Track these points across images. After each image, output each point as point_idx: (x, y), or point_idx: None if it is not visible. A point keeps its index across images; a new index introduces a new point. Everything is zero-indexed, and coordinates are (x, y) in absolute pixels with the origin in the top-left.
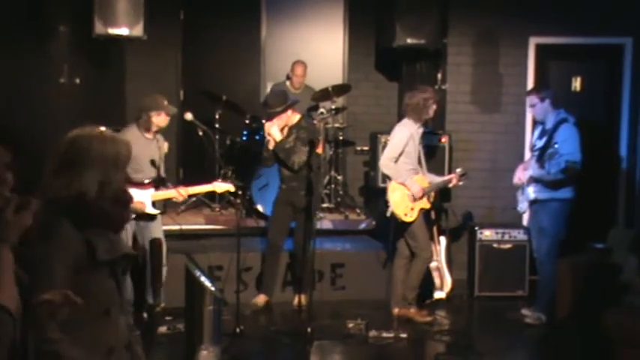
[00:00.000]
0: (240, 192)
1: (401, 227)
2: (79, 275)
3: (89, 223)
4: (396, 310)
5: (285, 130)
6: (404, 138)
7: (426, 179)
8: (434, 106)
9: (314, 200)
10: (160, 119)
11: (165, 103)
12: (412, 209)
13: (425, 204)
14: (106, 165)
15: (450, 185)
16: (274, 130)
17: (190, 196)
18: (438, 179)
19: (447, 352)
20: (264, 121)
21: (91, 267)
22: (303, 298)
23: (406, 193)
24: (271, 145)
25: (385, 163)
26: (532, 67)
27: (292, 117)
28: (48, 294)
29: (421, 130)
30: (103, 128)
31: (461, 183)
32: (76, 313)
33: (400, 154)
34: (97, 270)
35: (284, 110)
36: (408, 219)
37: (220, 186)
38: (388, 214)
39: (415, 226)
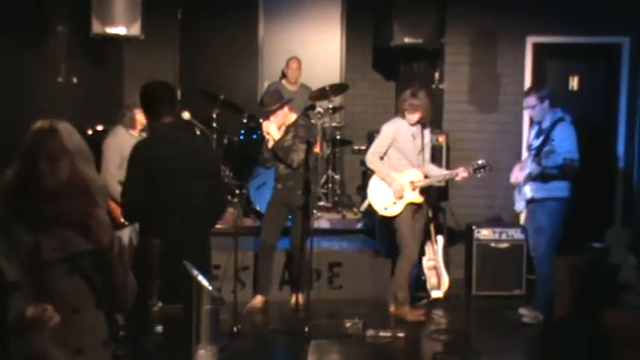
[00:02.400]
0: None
1: (388, 222)
2: (34, 276)
3: (36, 221)
4: (392, 309)
5: (283, 129)
6: (387, 135)
7: (421, 173)
8: (410, 113)
9: (311, 199)
10: (143, 116)
11: None
12: (395, 203)
13: (415, 198)
14: (26, 159)
15: (457, 178)
16: (273, 129)
17: None
18: (439, 173)
19: (444, 352)
20: (261, 121)
21: (43, 266)
22: (301, 297)
23: (384, 185)
24: (270, 144)
25: (369, 158)
26: (529, 67)
27: (289, 116)
28: (30, 309)
29: (417, 127)
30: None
31: (479, 175)
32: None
33: (387, 150)
34: (53, 269)
35: (280, 107)
36: (388, 213)
37: None
38: (362, 207)
39: (400, 219)
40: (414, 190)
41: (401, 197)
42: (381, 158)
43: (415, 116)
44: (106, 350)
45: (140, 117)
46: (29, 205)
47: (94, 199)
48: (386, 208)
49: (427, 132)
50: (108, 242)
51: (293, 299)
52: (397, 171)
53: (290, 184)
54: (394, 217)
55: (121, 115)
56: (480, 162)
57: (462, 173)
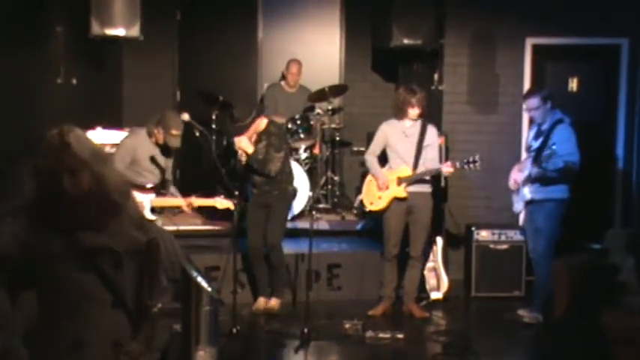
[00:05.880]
0: (237, 199)
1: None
2: (47, 268)
3: (56, 222)
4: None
5: (254, 137)
6: (378, 133)
7: (410, 170)
8: (408, 107)
9: (288, 198)
10: (157, 136)
11: (174, 132)
12: (380, 198)
13: (399, 192)
14: (48, 176)
15: (445, 172)
16: (244, 144)
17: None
18: (425, 169)
19: (443, 353)
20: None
21: (57, 260)
22: (274, 302)
23: (375, 183)
24: (244, 158)
25: (366, 157)
26: (529, 68)
27: (259, 123)
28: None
29: (409, 125)
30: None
31: (466, 168)
32: (43, 304)
33: (383, 149)
34: (65, 262)
35: (252, 122)
36: (373, 207)
37: (222, 202)
38: (355, 203)
39: (385, 216)
40: (399, 185)
41: (384, 189)
42: (386, 159)
43: (414, 110)
44: (114, 351)
45: (157, 133)
46: (52, 211)
47: (114, 201)
48: (371, 203)
49: (430, 131)
50: (125, 243)
51: (260, 303)
52: (392, 169)
53: (266, 188)
54: (383, 214)
55: (149, 122)
56: (471, 157)
57: (446, 168)
